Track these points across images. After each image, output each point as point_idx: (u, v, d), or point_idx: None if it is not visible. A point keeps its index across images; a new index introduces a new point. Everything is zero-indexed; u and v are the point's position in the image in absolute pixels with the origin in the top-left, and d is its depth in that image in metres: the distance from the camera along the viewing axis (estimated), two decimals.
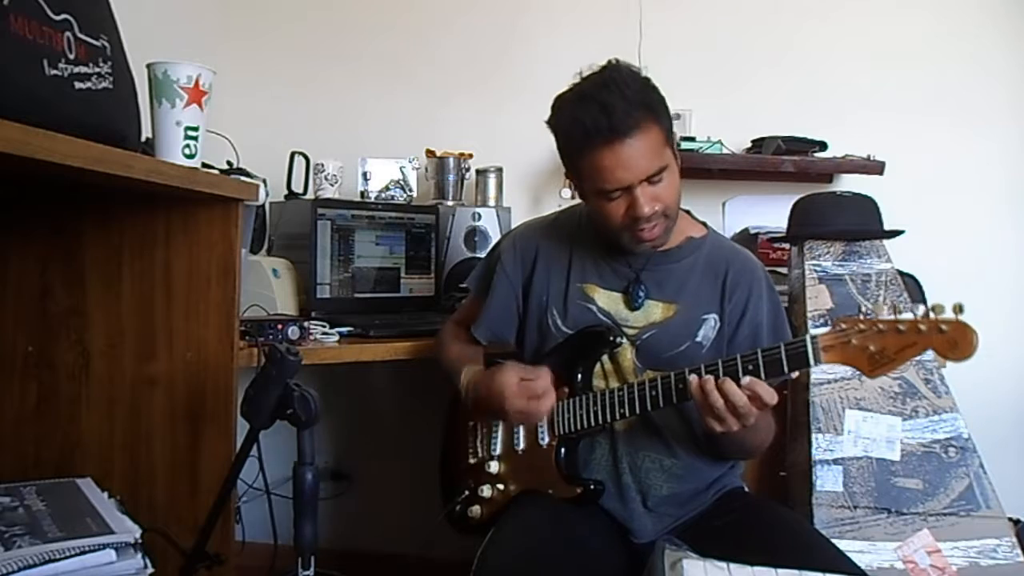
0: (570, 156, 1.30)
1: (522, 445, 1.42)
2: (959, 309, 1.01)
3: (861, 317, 1.08)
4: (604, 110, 1.20)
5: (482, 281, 1.55)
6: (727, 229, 2.30)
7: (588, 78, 1.27)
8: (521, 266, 1.49)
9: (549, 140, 1.33)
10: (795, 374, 1.24)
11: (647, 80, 1.27)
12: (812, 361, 1.11)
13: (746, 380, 1.13)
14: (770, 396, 1.12)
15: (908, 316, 1.05)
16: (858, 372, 1.08)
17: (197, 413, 1.31)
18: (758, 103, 2.34)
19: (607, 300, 1.40)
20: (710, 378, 1.15)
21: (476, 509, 1.45)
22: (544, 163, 2.37)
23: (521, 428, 1.41)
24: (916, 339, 1.03)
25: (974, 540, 1.73)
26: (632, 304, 1.38)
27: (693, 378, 1.17)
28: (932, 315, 1.02)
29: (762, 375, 1.14)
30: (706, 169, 2.17)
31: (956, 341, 1.01)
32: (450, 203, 2.20)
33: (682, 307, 1.36)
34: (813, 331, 1.14)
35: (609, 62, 1.28)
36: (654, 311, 1.37)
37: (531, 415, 1.32)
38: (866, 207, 1.95)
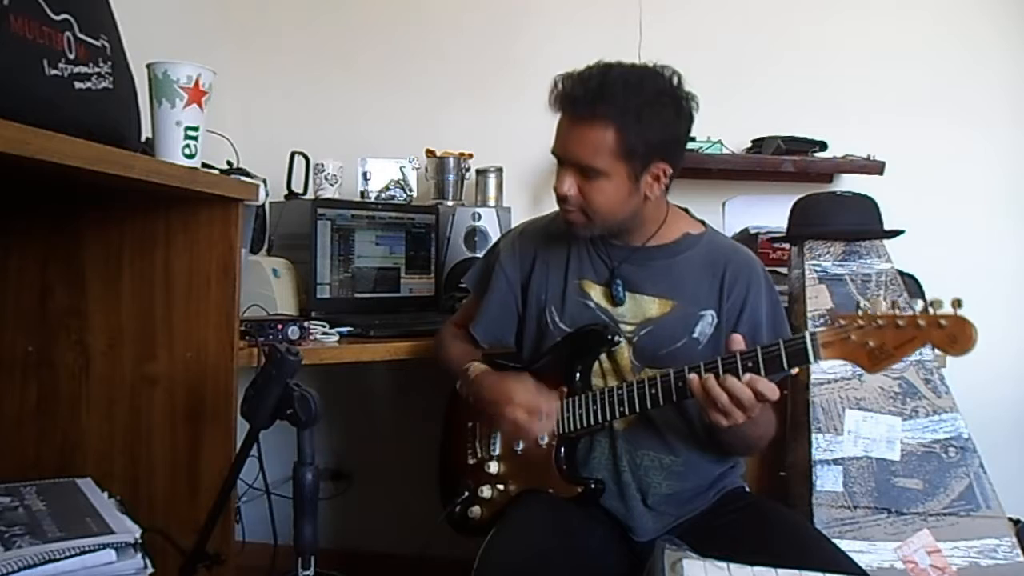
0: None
1: (521, 445, 1.42)
2: (957, 304, 1.01)
3: (860, 313, 1.08)
4: (582, 83, 1.25)
5: (481, 281, 1.55)
6: (727, 229, 2.30)
7: (615, 62, 1.29)
8: (520, 265, 1.49)
9: (549, 140, 1.33)
10: (795, 371, 1.24)
11: (658, 98, 1.28)
12: (812, 357, 1.11)
13: (746, 378, 1.13)
14: (771, 391, 1.12)
15: (907, 312, 1.05)
16: (858, 369, 1.08)
17: (197, 413, 1.31)
18: (758, 103, 2.34)
19: (601, 295, 1.40)
20: (710, 376, 1.15)
21: (476, 510, 1.45)
22: (544, 163, 2.36)
23: None
24: (915, 334, 1.04)
25: (974, 540, 1.73)
26: (614, 299, 1.38)
27: (693, 377, 1.17)
28: (931, 310, 1.02)
29: (762, 372, 1.14)
30: (706, 169, 2.17)
31: (955, 335, 1.01)
32: (450, 203, 2.20)
33: (679, 303, 1.36)
34: (812, 328, 1.14)
35: (640, 64, 1.30)
36: (650, 307, 1.37)
37: (525, 430, 1.30)
38: (866, 207, 1.94)
